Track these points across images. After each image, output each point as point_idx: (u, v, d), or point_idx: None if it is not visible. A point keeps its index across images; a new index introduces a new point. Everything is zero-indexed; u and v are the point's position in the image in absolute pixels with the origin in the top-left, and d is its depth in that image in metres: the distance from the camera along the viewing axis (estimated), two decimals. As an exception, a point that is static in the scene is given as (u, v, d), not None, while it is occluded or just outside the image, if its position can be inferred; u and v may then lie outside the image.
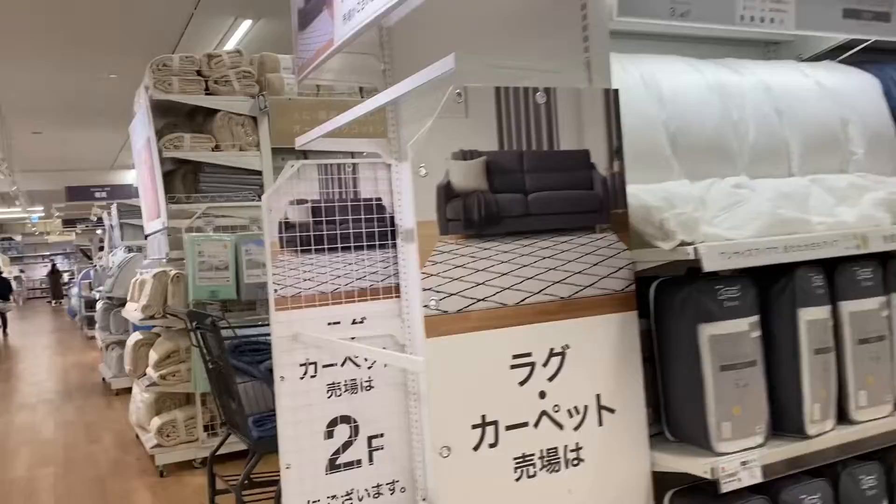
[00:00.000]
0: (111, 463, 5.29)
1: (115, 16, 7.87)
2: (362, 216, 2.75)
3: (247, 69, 5.07)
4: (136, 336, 5.36)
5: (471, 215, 1.49)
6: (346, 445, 2.62)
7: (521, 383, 1.52)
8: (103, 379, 8.94)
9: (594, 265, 1.58)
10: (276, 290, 2.56)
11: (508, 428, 1.50)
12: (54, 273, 30.13)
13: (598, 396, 1.58)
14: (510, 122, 1.53)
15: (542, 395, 1.53)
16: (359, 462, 2.66)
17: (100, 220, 28.97)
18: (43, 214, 31.47)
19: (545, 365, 1.54)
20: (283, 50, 5.26)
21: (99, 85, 12.78)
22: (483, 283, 1.49)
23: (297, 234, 2.73)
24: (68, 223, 30.81)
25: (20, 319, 23.45)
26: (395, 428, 2.69)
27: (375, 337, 2.66)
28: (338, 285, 2.71)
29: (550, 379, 1.54)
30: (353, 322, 2.67)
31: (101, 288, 11.63)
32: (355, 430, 2.63)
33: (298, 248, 2.64)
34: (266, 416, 3.15)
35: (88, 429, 6.47)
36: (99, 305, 9.68)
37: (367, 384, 2.72)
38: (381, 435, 2.70)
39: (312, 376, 2.67)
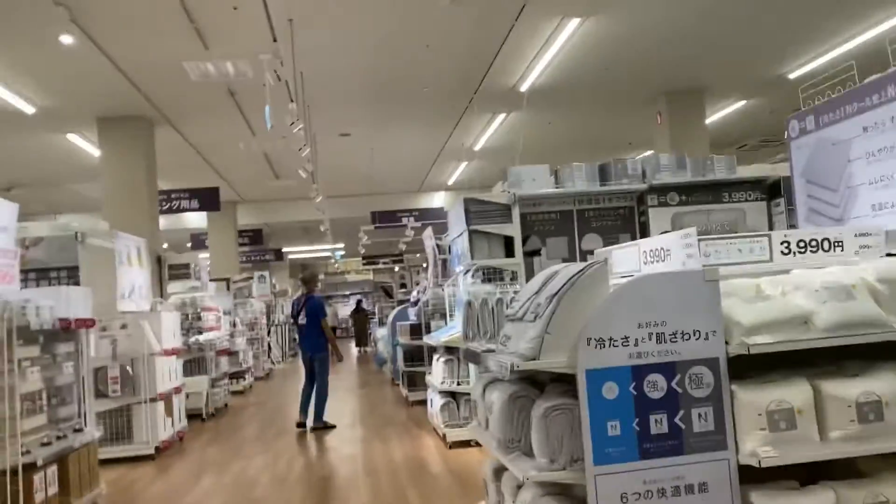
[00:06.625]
0: None
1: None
2: None
3: None
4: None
5: None
6: None
7: None
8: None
9: None
10: None
11: None
12: (359, 312, 25.10)
13: None
14: None
15: None
16: None
17: (400, 255, 26.21)
18: (344, 252, 30.16)
19: None
20: None
21: (418, 58, 9.03)
22: None
23: None
24: (368, 259, 28.96)
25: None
26: None
27: None
28: None
29: None
30: None
31: (442, 337, 7.34)
32: None
33: None
34: None
35: None
36: (485, 391, 5.14)
37: None
38: None
39: None
